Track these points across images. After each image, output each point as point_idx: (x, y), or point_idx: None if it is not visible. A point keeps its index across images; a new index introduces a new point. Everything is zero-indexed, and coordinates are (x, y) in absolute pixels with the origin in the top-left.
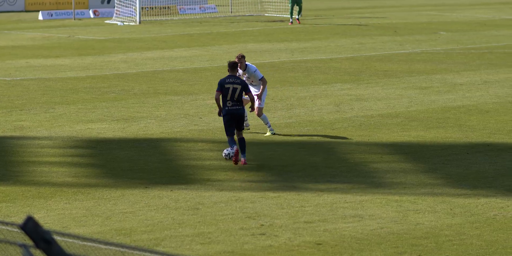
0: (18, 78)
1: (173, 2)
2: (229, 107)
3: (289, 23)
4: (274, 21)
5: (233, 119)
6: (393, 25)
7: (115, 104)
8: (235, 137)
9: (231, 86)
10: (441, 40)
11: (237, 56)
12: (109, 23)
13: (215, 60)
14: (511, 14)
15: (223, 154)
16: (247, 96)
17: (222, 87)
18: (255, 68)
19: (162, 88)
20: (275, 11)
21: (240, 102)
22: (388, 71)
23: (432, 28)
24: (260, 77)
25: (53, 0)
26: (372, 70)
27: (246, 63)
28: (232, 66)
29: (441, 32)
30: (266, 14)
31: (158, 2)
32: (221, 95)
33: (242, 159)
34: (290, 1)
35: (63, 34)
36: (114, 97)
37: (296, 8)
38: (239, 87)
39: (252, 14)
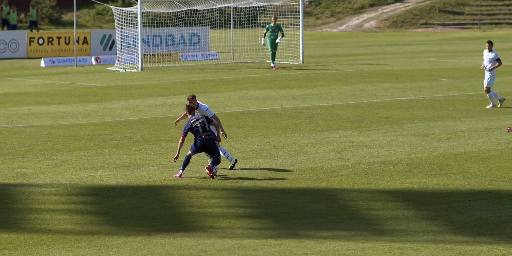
0: (20, 125)
1: (175, 49)
2: (203, 138)
3: (273, 69)
4: (276, 68)
5: (207, 145)
6: (395, 72)
7: (117, 151)
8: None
9: (198, 123)
10: (443, 87)
11: (188, 98)
12: (111, 70)
13: (217, 107)
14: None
15: (207, 169)
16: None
17: (190, 130)
18: (206, 107)
19: (164, 135)
20: (277, 58)
21: (211, 131)
22: (390, 118)
23: (434, 74)
24: (212, 115)
25: (55, 47)
26: (374, 117)
27: (198, 102)
28: (190, 108)
29: (443, 79)
30: (267, 61)
31: (160, 49)
32: (194, 132)
33: (211, 169)
34: (269, 47)
35: (65, 81)
36: (116, 144)
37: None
38: (204, 119)
39: (254, 61)
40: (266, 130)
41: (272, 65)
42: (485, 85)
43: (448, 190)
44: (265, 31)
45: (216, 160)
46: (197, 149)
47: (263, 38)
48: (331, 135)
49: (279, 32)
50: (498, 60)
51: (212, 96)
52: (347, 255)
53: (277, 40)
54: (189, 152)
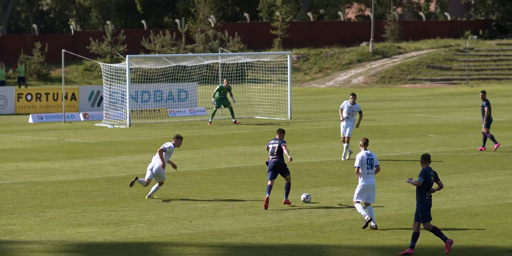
0: (8, 182)
1: (163, 105)
2: (271, 159)
3: (208, 123)
4: (264, 124)
5: (273, 167)
6: (383, 128)
7: (105, 207)
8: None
9: (271, 146)
10: (431, 143)
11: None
12: (99, 126)
13: (205, 163)
14: (500, 116)
15: (302, 199)
16: None
17: (268, 146)
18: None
19: None
20: (265, 114)
21: (278, 156)
22: (378, 174)
23: (421, 130)
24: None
25: (43, 103)
26: None
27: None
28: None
29: (431, 135)
30: (256, 117)
31: (148, 105)
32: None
33: (285, 199)
34: (216, 104)
35: (53, 137)
36: (104, 200)
37: (227, 110)
38: (277, 144)
39: (242, 117)
40: (254, 186)
41: (210, 120)
42: (346, 135)
43: (436, 247)
44: (215, 91)
45: (286, 183)
46: (269, 169)
47: (213, 98)
48: (319, 191)
49: (228, 93)
50: (360, 112)
51: (200, 152)
52: None
53: (234, 100)
54: (268, 181)
